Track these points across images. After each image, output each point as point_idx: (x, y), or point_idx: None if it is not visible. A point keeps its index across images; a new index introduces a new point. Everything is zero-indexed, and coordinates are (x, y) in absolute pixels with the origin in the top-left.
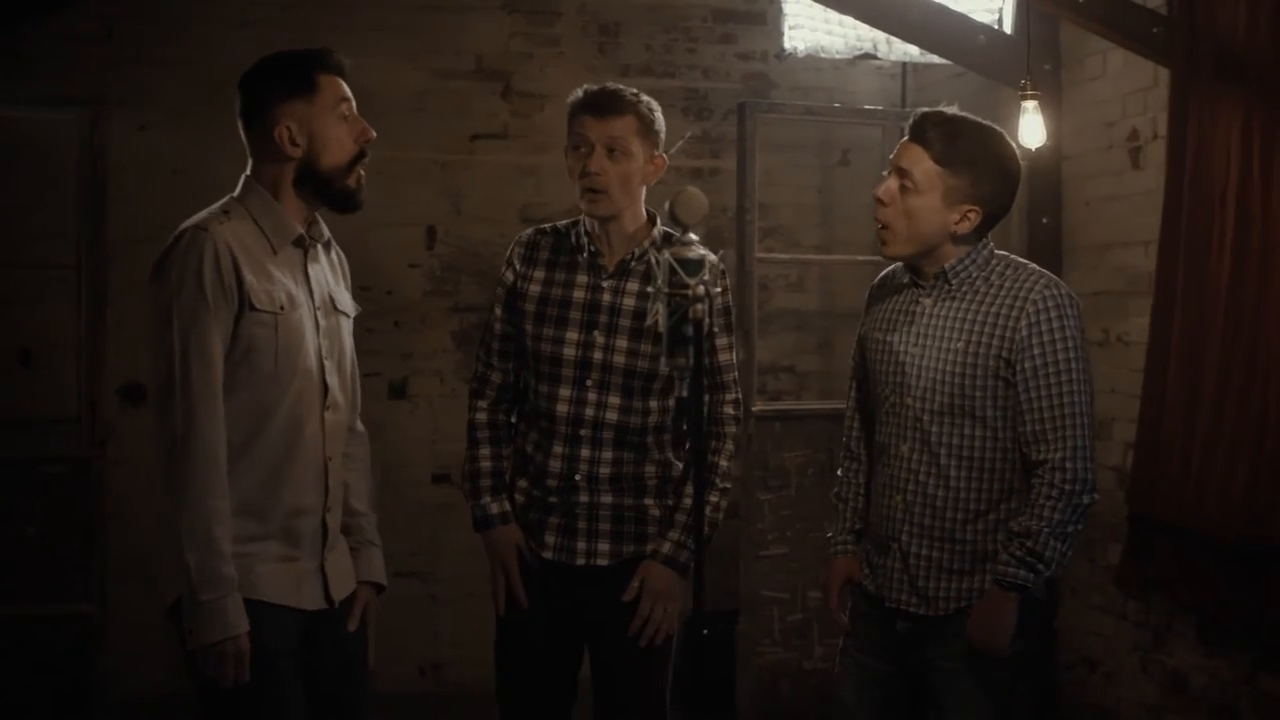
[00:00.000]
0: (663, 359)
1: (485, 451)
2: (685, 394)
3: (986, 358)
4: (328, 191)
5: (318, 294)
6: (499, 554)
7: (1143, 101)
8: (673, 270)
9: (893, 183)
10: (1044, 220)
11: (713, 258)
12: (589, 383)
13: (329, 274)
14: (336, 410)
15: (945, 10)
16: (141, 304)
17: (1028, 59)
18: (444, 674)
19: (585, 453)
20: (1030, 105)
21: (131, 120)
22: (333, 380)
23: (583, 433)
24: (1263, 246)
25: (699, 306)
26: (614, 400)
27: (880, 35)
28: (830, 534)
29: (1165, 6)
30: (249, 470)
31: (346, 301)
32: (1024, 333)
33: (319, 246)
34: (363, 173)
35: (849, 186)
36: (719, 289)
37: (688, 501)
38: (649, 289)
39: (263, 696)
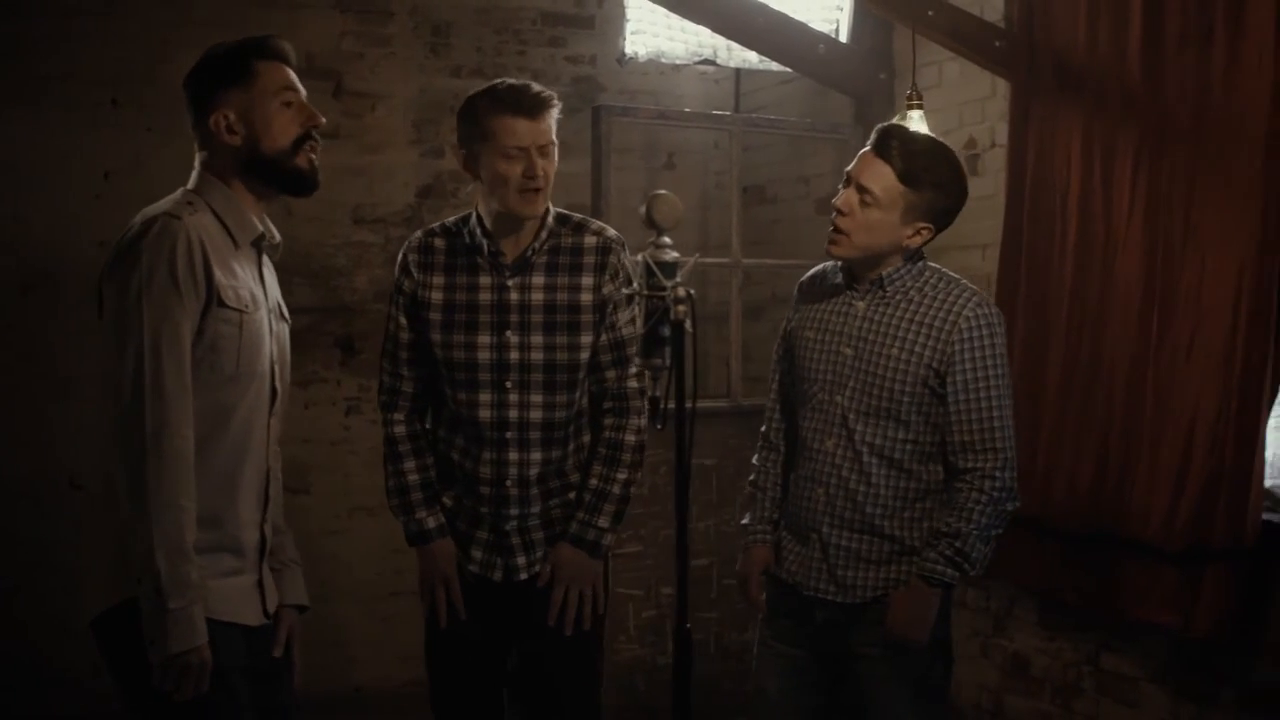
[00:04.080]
0: (581, 351)
1: (410, 465)
2: (658, 394)
3: (918, 366)
4: (276, 175)
5: (270, 297)
6: (439, 568)
7: (980, 111)
8: (650, 272)
9: (852, 195)
10: None
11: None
12: (508, 384)
13: (273, 279)
14: (279, 418)
15: (788, 20)
16: None
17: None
18: None
19: (514, 455)
20: (916, 115)
21: None
22: (280, 386)
23: (509, 435)
24: (1105, 250)
25: (681, 308)
26: (536, 399)
27: (721, 42)
28: (746, 521)
29: (1004, 21)
30: (204, 477)
31: (285, 309)
32: (956, 347)
33: (267, 250)
34: (314, 156)
35: (674, 189)
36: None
37: (593, 481)
38: (560, 279)
39: (220, 714)
